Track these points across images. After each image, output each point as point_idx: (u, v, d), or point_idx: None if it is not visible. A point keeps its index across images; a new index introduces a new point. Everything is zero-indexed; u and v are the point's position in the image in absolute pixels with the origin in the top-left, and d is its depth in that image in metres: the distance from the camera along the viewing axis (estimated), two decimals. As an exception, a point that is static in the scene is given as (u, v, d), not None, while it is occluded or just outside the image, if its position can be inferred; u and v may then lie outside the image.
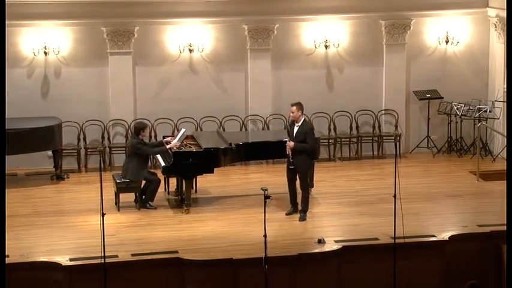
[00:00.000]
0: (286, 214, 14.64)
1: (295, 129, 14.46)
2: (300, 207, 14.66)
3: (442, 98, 18.77)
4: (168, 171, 15.10)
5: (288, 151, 14.44)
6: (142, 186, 15.23)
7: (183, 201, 15.12)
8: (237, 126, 18.33)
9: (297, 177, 14.61)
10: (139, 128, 15.33)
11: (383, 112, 18.84)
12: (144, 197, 15.16)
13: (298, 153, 14.40)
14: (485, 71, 19.00)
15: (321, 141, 17.16)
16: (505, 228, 12.56)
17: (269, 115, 18.32)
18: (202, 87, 18.22)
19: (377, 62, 18.73)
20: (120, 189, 15.06)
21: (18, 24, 17.27)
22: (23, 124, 16.54)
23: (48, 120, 16.94)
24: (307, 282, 12.82)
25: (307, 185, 14.76)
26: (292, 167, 14.50)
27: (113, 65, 17.81)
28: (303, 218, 14.54)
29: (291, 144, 14.38)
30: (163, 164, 15.17)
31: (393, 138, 18.61)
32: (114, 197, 15.23)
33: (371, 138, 18.80)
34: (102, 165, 12.76)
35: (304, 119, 14.62)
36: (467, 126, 18.74)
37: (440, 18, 18.74)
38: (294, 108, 14.44)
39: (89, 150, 17.80)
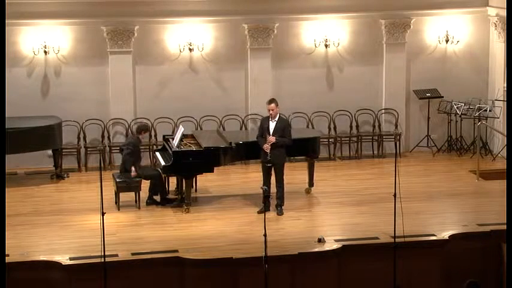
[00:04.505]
0: (259, 212, 14.60)
1: (272, 124, 14.56)
2: (276, 202, 14.70)
3: (442, 97, 18.77)
4: (168, 171, 15.10)
5: (266, 147, 14.47)
6: (150, 183, 15.33)
7: (183, 201, 15.12)
8: (237, 125, 18.33)
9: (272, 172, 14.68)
10: (141, 129, 15.38)
11: (383, 111, 18.84)
12: (159, 195, 15.37)
13: (278, 146, 14.49)
14: (485, 70, 19.00)
15: (321, 140, 17.15)
16: (505, 227, 12.56)
17: (269, 114, 18.32)
18: (202, 86, 18.23)
19: (377, 61, 18.73)
20: (120, 188, 15.06)
21: (18, 23, 17.27)
22: (23, 123, 16.54)
23: (48, 120, 16.93)
24: (307, 282, 12.82)
25: (283, 179, 14.74)
26: (269, 164, 14.54)
27: (113, 64, 17.81)
28: (281, 212, 14.66)
29: (272, 138, 14.43)
30: (163, 163, 15.17)
31: (393, 137, 18.61)
32: (114, 196, 15.23)
33: (371, 137, 18.80)
34: (102, 164, 12.75)
35: (280, 115, 14.77)
36: (467, 125, 18.74)
37: (441, 18, 18.74)
38: (273, 105, 14.60)
39: (88, 149, 17.81)
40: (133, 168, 15.06)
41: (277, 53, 18.33)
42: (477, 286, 10.79)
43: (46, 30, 17.54)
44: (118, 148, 17.70)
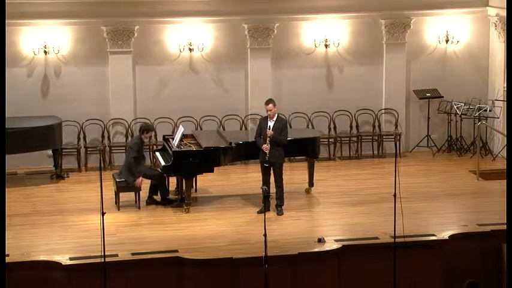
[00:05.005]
0: (258, 212, 14.61)
1: (271, 124, 14.57)
2: (276, 202, 14.72)
3: (442, 97, 18.77)
4: (168, 171, 15.10)
5: (265, 147, 14.47)
6: (150, 183, 15.31)
7: (183, 201, 15.12)
8: (237, 125, 18.34)
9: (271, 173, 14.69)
10: (143, 129, 15.33)
11: (383, 111, 18.84)
12: (158, 194, 15.36)
13: (276, 146, 14.49)
14: (485, 70, 19.00)
15: (321, 140, 17.15)
16: (505, 227, 12.57)
17: (269, 114, 18.31)
18: (202, 86, 18.23)
19: (377, 61, 18.73)
20: (120, 188, 15.06)
21: (18, 23, 17.27)
22: (23, 123, 16.54)
23: (48, 120, 16.93)
24: (307, 282, 12.82)
25: (282, 180, 14.75)
26: (267, 165, 14.54)
27: (113, 64, 17.81)
28: (281, 212, 14.69)
29: (270, 132, 14.45)
30: (163, 163, 15.17)
31: (393, 137, 18.61)
32: (114, 196, 15.23)
33: (371, 137, 18.80)
34: (102, 164, 12.75)
35: (279, 114, 14.79)
36: (467, 125, 18.75)
37: (441, 18, 18.74)
38: (271, 105, 14.63)
39: (88, 149, 17.80)
40: (140, 178, 15.02)
41: (277, 53, 18.33)
42: (477, 286, 10.78)
43: (46, 30, 17.54)
44: (119, 148, 17.76)
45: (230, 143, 15.16)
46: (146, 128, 15.43)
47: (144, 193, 15.31)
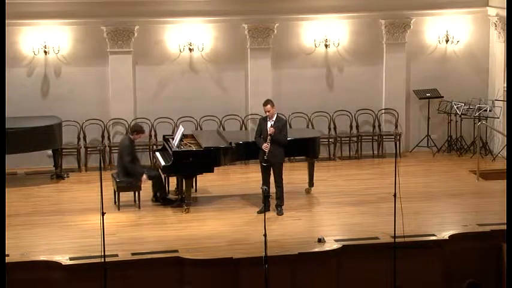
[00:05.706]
0: (258, 212, 14.61)
1: (270, 124, 14.57)
2: (276, 202, 14.73)
3: (442, 97, 18.77)
4: (168, 171, 15.10)
5: (266, 146, 14.47)
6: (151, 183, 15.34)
7: (183, 201, 15.12)
8: (237, 125, 18.34)
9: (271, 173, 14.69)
10: (134, 130, 15.33)
11: (383, 111, 18.84)
12: (158, 194, 15.37)
13: (276, 145, 14.50)
14: (485, 70, 19.00)
15: (321, 140, 17.14)
16: (505, 227, 12.56)
17: (269, 114, 18.30)
18: (202, 86, 18.23)
19: (377, 61, 18.73)
20: (119, 188, 15.06)
21: (18, 23, 17.27)
22: (23, 123, 16.54)
23: (48, 120, 16.94)
24: (307, 282, 12.82)
25: (282, 179, 14.75)
26: (266, 164, 14.54)
27: (113, 64, 17.81)
28: (281, 212, 14.69)
29: (272, 129, 14.45)
30: (163, 163, 15.17)
31: (393, 137, 18.62)
32: (114, 196, 15.22)
33: (371, 137, 18.80)
34: (102, 164, 12.75)
35: (278, 114, 14.80)
36: (467, 125, 18.75)
37: (441, 18, 18.74)
38: (269, 106, 14.64)
39: (89, 149, 17.81)
40: (144, 176, 15.04)
41: (277, 53, 18.33)
42: (477, 286, 10.78)
43: (46, 30, 17.54)
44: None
45: (230, 143, 15.17)
46: (138, 129, 15.38)
47: (144, 193, 15.30)
